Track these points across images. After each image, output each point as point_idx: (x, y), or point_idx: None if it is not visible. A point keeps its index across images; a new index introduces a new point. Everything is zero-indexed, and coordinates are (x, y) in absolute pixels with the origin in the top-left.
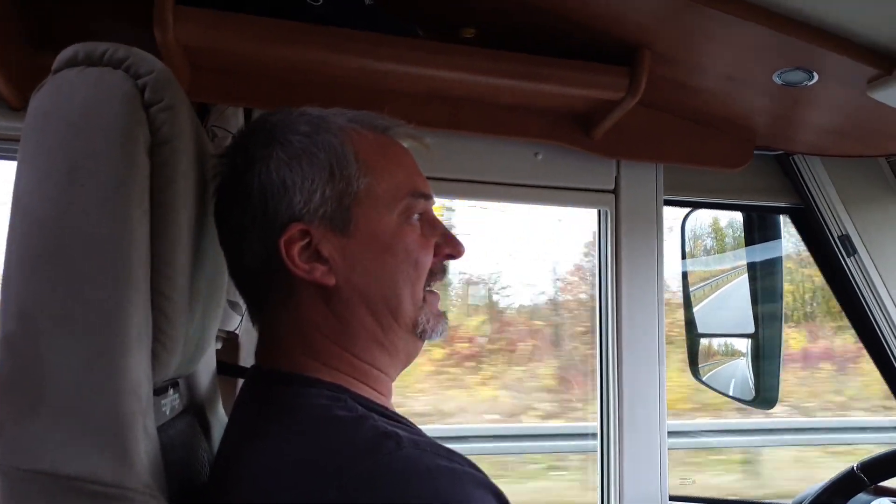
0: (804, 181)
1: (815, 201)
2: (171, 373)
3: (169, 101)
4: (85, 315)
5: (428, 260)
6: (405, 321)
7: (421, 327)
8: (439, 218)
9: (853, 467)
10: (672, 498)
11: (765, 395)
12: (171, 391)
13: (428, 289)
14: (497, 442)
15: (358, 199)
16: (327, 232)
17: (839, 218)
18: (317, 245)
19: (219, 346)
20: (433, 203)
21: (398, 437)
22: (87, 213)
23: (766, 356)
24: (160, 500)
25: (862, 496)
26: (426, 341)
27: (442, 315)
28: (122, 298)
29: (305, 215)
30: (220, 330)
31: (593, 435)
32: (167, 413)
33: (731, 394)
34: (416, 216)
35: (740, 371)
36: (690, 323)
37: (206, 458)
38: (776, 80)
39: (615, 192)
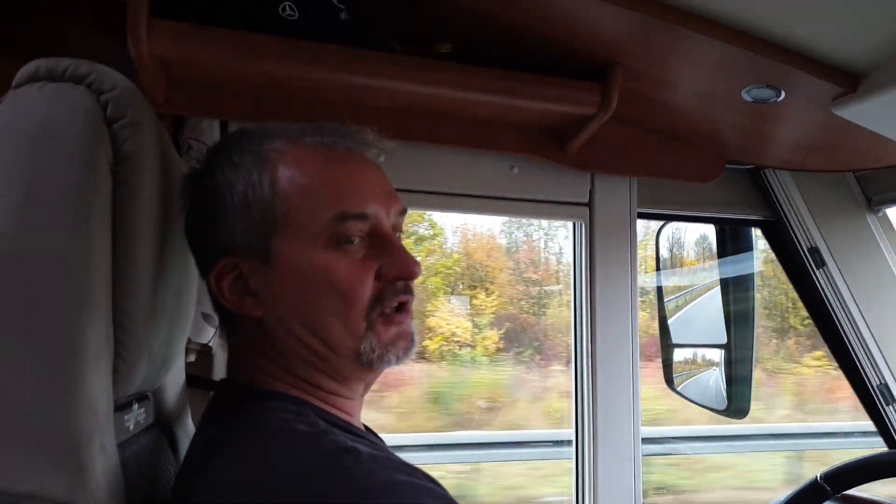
0: (775, 195)
1: (785, 214)
2: (133, 388)
3: (132, 117)
4: (41, 332)
5: (363, 288)
6: (343, 350)
7: (365, 357)
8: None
9: (817, 477)
10: None
11: (737, 404)
12: (135, 406)
13: (383, 313)
14: None
15: (277, 229)
16: (255, 264)
17: (808, 231)
18: (247, 278)
19: (192, 358)
20: (378, 221)
21: (357, 451)
22: (45, 229)
23: (738, 366)
24: None
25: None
26: (387, 367)
27: (398, 339)
28: (79, 315)
29: (232, 248)
30: (194, 342)
31: None
32: (130, 428)
33: (704, 403)
34: (354, 239)
35: (714, 381)
36: (665, 334)
37: (172, 472)
38: (745, 96)
39: (589, 205)
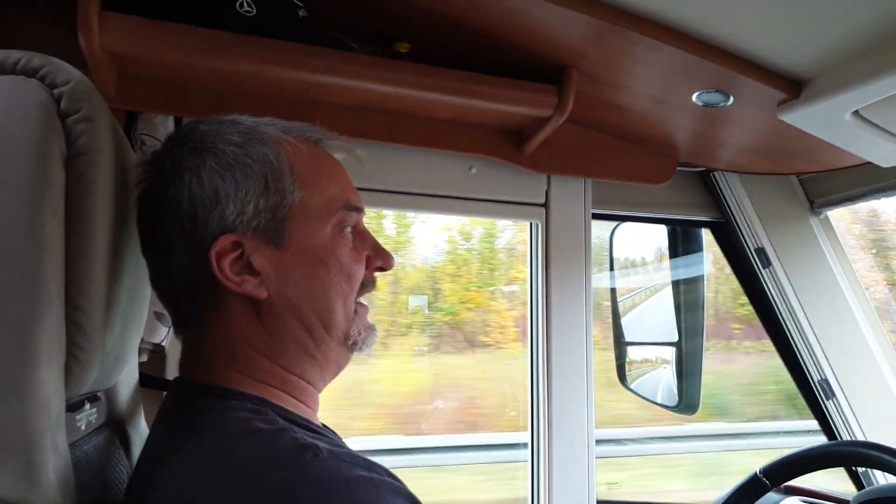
0: (724, 197)
1: (733, 216)
2: (87, 387)
3: (87, 112)
4: None
5: (360, 273)
6: (337, 333)
7: (353, 339)
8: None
9: (756, 472)
10: (600, 502)
11: (687, 401)
12: (87, 406)
13: (359, 301)
14: None
15: (292, 211)
16: (260, 244)
17: (755, 232)
18: (249, 257)
19: (144, 358)
20: (364, 215)
21: (317, 448)
22: None
23: (688, 364)
24: None
25: (772, 495)
26: (356, 353)
27: (372, 327)
28: (32, 312)
29: (238, 227)
30: (146, 342)
31: None
32: (82, 428)
33: (655, 400)
34: (348, 229)
35: (665, 379)
36: (618, 333)
37: (124, 473)
38: (696, 101)
39: (546, 205)
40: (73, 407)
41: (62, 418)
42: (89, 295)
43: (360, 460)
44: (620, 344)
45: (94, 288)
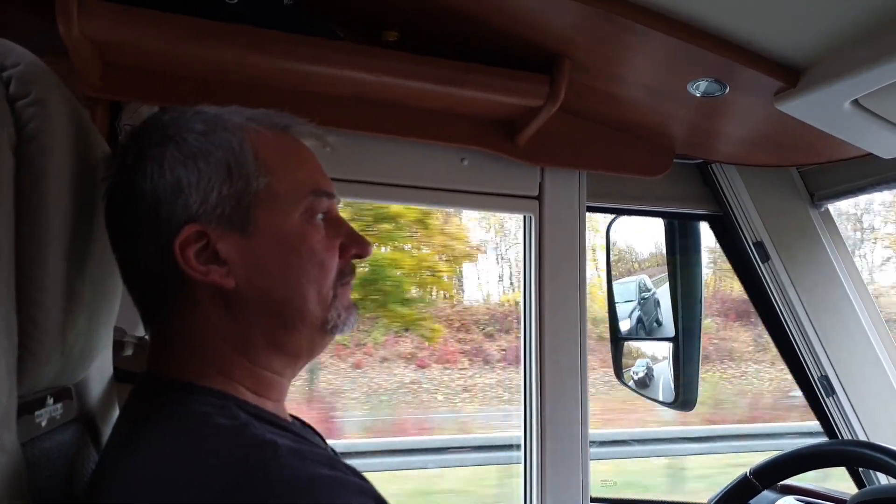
0: (722, 189)
1: (731, 209)
2: (45, 382)
3: (38, 94)
4: None
5: (333, 261)
6: (311, 321)
7: (332, 323)
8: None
9: (746, 473)
10: (594, 500)
11: (685, 397)
12: (50, 401)
13: (340, 284)
14: None
15: (258, 198)
16: (225, 233)
17: (754, 225)
18: (214, 246)
19: (130, 352)
20: (338, 202)
21: (276, 445)
22: None
23: (685, 359)
24: None
25: (768, 495)
26: (340, 334)
27: (353, 307)
28: None
29: (202, 216)
30: (130, 336)
31: None
32: (42, 425)
33: (652, 396)
34: (319, 216)
35: (662, 375)
36: (615, 329)
37: (92, 469)
38: (691, 90)
39: (539, 198)
40: (31, 402)
41: (11, 415)
42: (43, 286)
43: (323, 458)
44: (617, 339)
45: (49, 279)
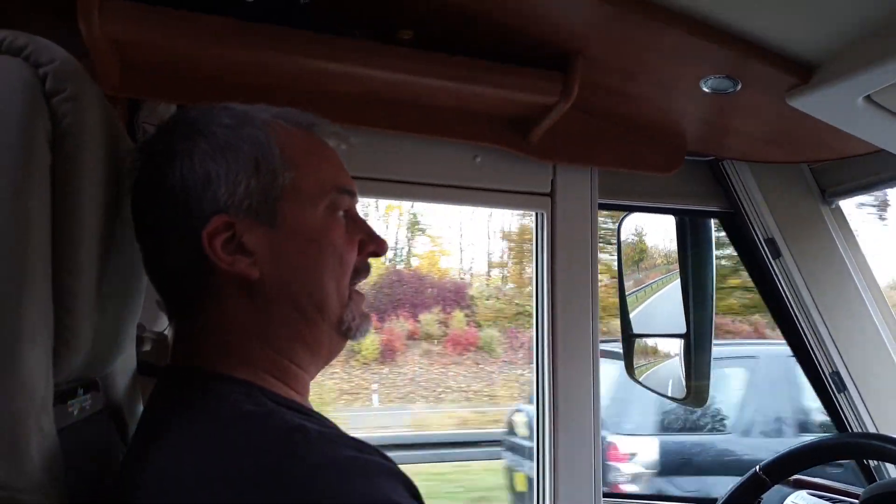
0: (733, 186)
1: (743, 206)
2: (77, 372)
3: (73, 91)
4: None
5: (352, 257)
6: (330, 317)
7: (346, 325)
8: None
9: (756, 469)
10: (606, 495)
11: (696, 394)
12: (80, 392)
13: (354, 287)
14: None
15: (284, 192)
16: (252, 224)
17: (765, 222)
18: (241, 238)
19: (148, 347)
20: (357, 201)
21: (306, 429)
22: None
23: (696, 356)
24: (54, 501)
25: (780, 489)
26: (351, 341)
27: (367, 316)
28: (14, 291)
29: (230, 208)
30: (149, 331)
31: None
32: (74, 414)
33: (664, 393)
34: (340, 212)
35: (674, 371)
36: (626, 325)
37: (121, 460)
38: (703, 87)
39: (551, 195)
40: (65, 392)
41: (49, 401)
42: (77, 276)
43: (350, 441)
44: (628, 336)
45: (83, 271)
